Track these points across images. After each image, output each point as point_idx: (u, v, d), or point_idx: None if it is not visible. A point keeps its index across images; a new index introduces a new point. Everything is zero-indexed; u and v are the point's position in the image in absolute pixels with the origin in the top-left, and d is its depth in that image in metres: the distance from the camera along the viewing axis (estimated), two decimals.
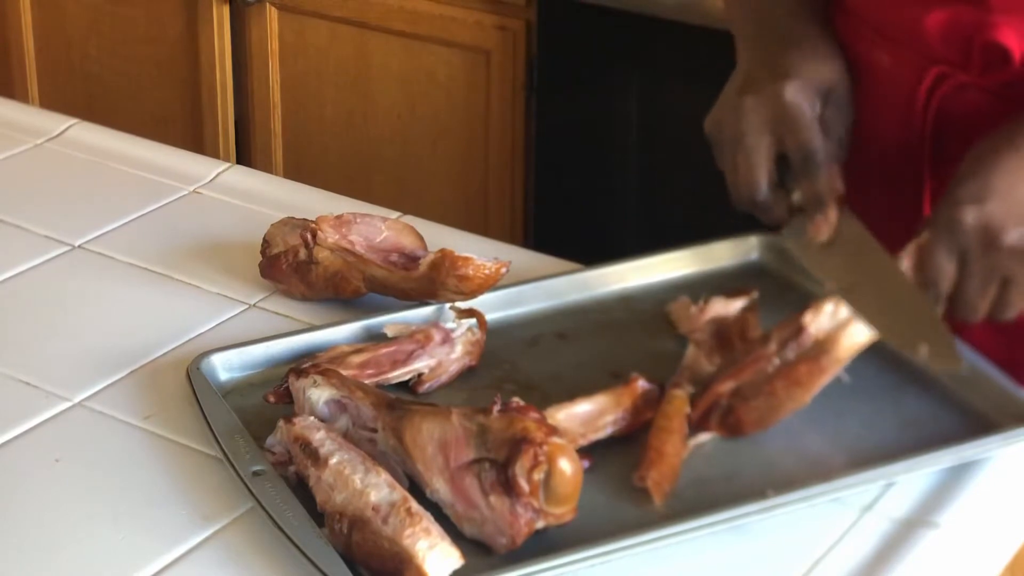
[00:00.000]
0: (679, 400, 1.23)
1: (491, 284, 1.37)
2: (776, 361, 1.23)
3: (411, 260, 1.39)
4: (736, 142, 1.27)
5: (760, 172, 1.26)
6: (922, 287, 1.20)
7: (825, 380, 1.23)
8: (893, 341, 1.22)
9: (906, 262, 1.21)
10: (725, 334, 1.30)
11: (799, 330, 1.23)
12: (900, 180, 1.39)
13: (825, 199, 1.25)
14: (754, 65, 1.32)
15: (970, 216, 1.18)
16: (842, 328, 1.22)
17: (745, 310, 1.34)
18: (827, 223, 1.25)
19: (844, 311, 1.22)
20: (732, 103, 1.29)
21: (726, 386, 1.23)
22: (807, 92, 1.27)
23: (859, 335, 1.22)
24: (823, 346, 1.22)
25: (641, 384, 1.25)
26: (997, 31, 1.28)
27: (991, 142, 1.22)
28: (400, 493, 1.11)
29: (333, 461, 1.14)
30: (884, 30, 1.37)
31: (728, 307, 1.35)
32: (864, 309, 1.22)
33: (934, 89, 1.34)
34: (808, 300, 1.31)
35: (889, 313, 1.21)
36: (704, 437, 1.23)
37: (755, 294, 1.37)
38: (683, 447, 1.21)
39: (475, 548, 1.12)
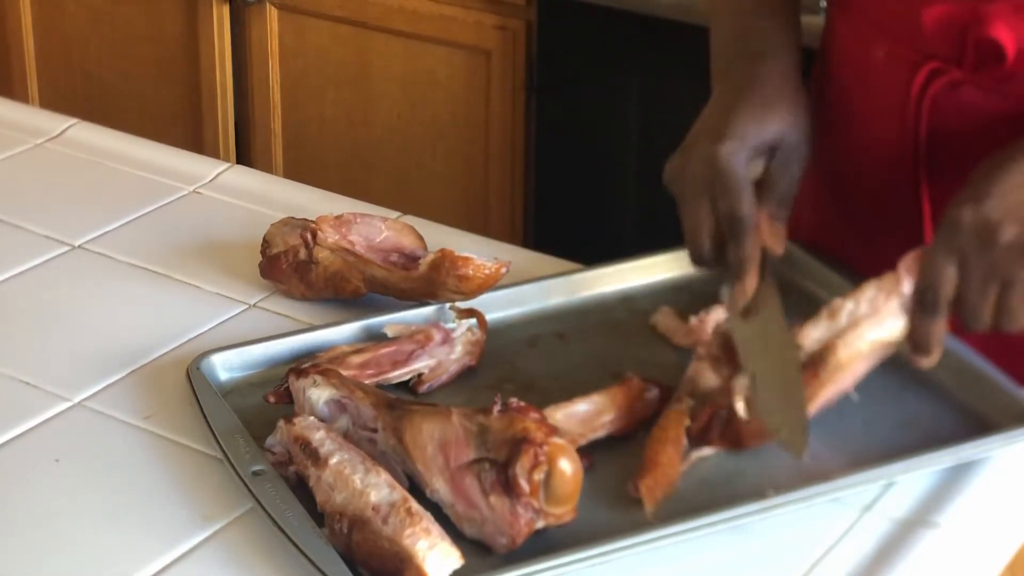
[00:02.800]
0: (677, 412, 1.23)
1: (491, 284, 1.37)
2: None
3: (411, 260, 1.39)
4: (681, 202, 1.29)
5: (700, 235, 1.28)
6: (923, 292, 1.20)
7: (825, 393, 1.22)
8: (765, 418, 1.21)
9: (904, 268, 1.21)
10: (730, 345, 1.29)
11: None
12: (895, 177, 1.39)
13: (745, 267, 1.26)
14: (704, 120, 1.33)
15: (967, 215, 1.18)
16: (838, 338, 1.21)
17: None
18: (743, 293, 1.26)
19: (840, 322, 1.22)
20: (678, 162, 1.30)
21: (726, 397, 1.23)
22: (743, 154, 1.27)
23: (855, 345, 1.21)
24: (820, 357, 1.21)
25: (637, 383, 1.25)
26: (991, 26, 1.28)
27: (995, 159, 1.22)
28: (400, 493, 1.11)
29: (333, 461, 1.14)
30: (881, 23, 1.37)
31: (722, 314, 1.35)
32: (755, 384, 1.22)
33: (927, 85, 1.33)
34: (807, 301, 1.32)
35: (770, 394, 1.21)
36: (706, 451, 1.22)
37: None
38: (678, 458, 1.20)
39: (475, 548, 1.12)
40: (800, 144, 1.31)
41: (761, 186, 1.29)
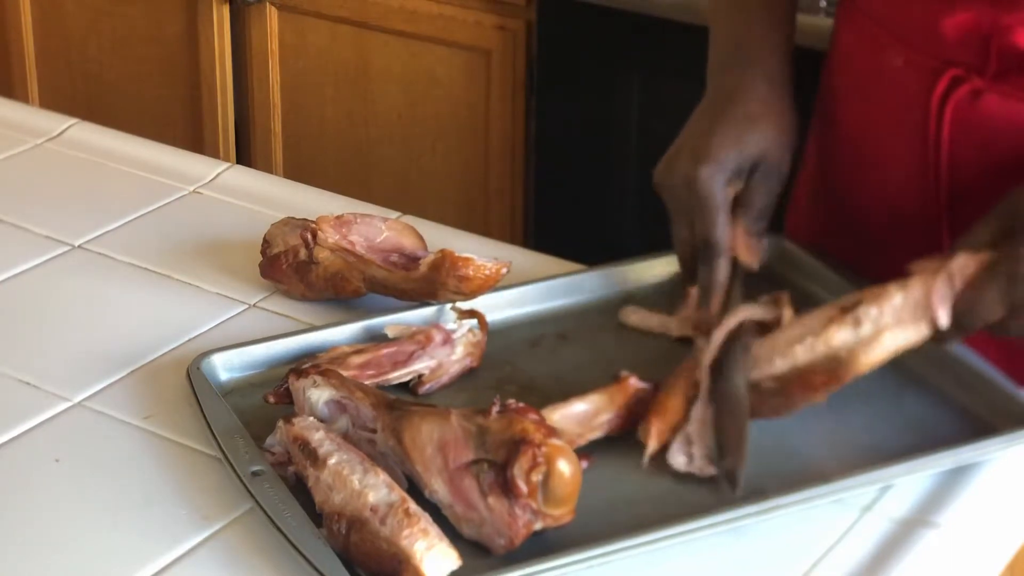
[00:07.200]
0: (688, 364, 1.25)
1: (491, 284, 1.37)
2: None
3: (411, 260, 1.39)
4: (669, 214, 1.34)
5: (684, 253, 1.33)
6: (963, 319, 1.20)
7: (841, 386, 1.23)
8: (716, 437, 1.22)
9: (938, 299, 1.20)
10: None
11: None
12: (913, 186, 1.38)
13: (712, 292, 1.30)
14: (690, 129, 1.35)
15: None
16: (861, 347, 1.20)
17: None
18: (708, 316, 1.29)
19: (864, 330, 1.21)
20: (664, 171, 1.34)
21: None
22: (721, 176, 1.31)
23: (877, 355, 1.21)
24: (843, 361, 1.20)
25: (633, 382, 1.25)
26: (1015, 34, 1.28)
27: None
28: (398, 494, 1.11)
29: (332, 461, 1.14)
30: (899, 31, 1.36)
31: (755, 313, 1.33)
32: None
33: (948, 93, 1.32)
34: (807, 301, 1.31)
35: (719, 417, 1.22)
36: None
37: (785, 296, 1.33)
38: (685, 407, 1.21)
39: (473, 549, 1.12)
40: (782, 160, 1.34)
41: (740, 201, 1.32)
